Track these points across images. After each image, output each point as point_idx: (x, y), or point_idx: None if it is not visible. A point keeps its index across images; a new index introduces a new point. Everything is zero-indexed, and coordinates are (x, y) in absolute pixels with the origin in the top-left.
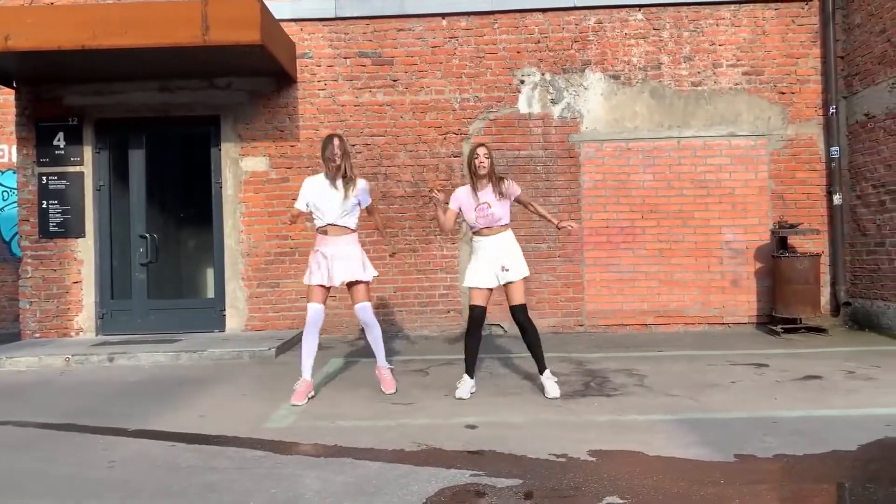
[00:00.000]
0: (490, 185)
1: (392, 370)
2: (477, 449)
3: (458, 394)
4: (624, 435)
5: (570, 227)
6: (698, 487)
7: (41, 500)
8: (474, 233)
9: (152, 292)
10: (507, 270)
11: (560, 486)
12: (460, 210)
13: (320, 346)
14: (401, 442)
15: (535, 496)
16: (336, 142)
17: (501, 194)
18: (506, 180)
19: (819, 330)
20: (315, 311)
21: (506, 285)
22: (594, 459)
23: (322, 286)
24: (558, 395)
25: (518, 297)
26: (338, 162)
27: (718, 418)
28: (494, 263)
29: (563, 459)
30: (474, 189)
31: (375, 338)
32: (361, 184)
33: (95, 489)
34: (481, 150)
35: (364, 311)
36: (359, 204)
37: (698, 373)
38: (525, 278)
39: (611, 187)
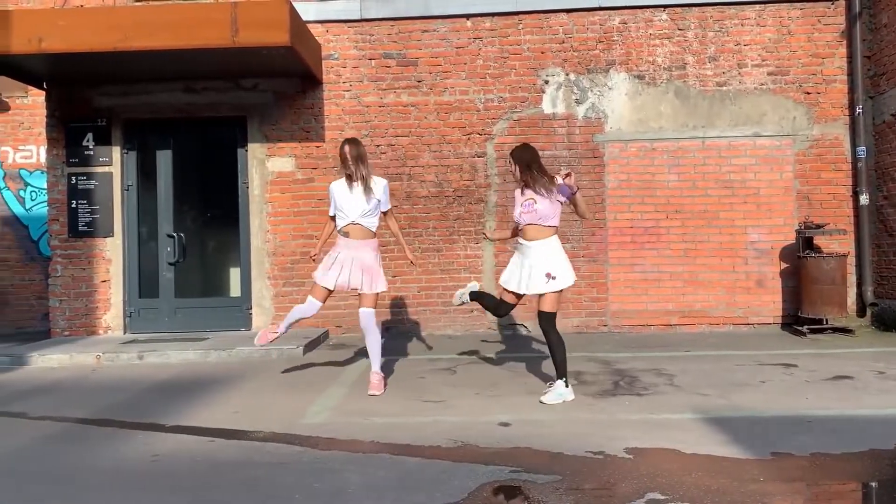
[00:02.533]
0: (535, 184)
1: (384, 378)
2: (513, 446)
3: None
4: (658, 433)
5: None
6: (738, 484)
7: (91, 492)
8: (518, 233)
9: (179, 291)
10: (553, 279)
11: (600, 483)
12: None
13: (344, 346)
14: (436, 439)
15: (577, 492)
16: (346, 148)
17: (549, 191)
18: (557, 177)
19: (845, 330)
20: (314, 306)
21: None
22: (631, 457)
23: (328, 289)
24: (547, 402)
25: (548, 305)
26: (350, 169)
27: (751, 417)
28: (536, 269)
29: (600, 456)
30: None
31: (372, 343)
32: (381, 183)
33: (142, 482)
34: (508, 157)
35: (366, 316)
36: (379, 203)
37: (727, 372)
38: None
39: (635, 187)
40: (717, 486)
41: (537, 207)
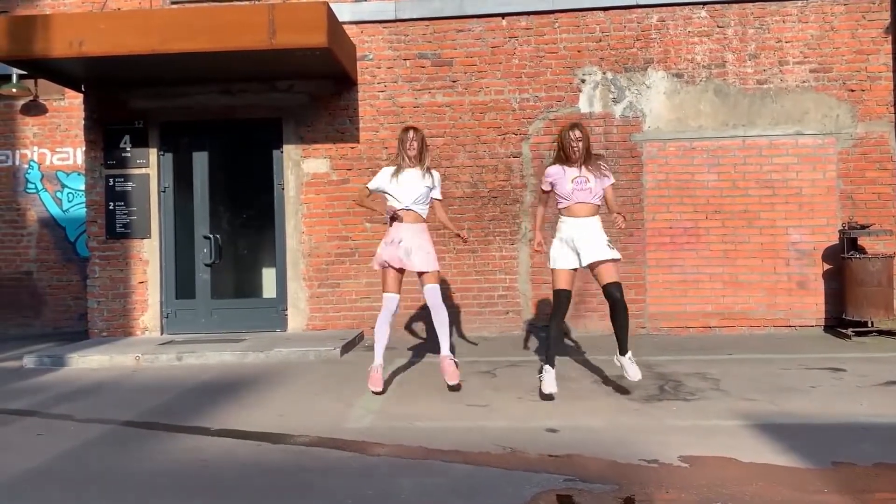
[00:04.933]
0: (587, 164)
1: (456, 363)
2: (563, 453)
3: (546, 388)
4: (710, 440)
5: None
6: (802, 496)
7: (145, 499)
8: (563, 211)
9: (215, 292)
10: (612, 248)
11: (659, 492)
12: (552, 189)
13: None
14: (483, 444)
15: (636, 502)
16: (411, 133)
17: (602, 174)
18: (604, 162)
19: (891, 333)
20: (391, 300)
21: (601, 265)
22: (687, 465)
23: (397, 273)
24: (639, 377)
25: (614, 275)
26: (414, 152)
27: (805, 424)
28: (588, 243)
29: (654, 465)
30: (568, 165)
31: (440, 322)
32: (436, 175)
33: (195, 488)
34: (574, 134)
35: (432, 292)
36: (431, 191)
37: (773, 377)
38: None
39: (674, 187)
40: (780, 497)
41: (591, 186)
